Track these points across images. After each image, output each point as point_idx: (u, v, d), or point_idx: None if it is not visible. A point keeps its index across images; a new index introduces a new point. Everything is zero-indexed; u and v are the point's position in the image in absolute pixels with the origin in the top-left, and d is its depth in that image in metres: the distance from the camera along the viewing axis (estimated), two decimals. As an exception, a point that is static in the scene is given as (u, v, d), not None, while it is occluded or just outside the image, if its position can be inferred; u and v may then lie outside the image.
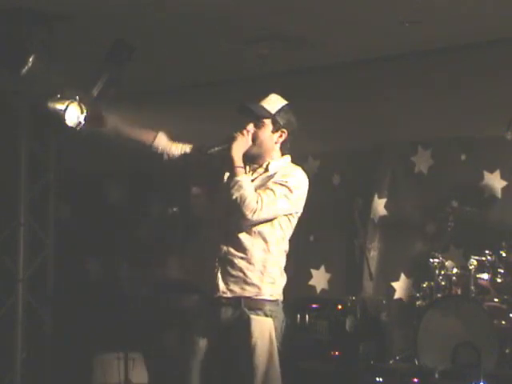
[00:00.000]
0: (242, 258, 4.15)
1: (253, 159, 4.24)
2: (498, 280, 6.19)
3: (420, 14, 6.35)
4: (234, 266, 4.14)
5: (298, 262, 7.59)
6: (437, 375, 5.75)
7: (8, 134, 7.01)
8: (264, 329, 4.13)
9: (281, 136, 4.26)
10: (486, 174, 6.95)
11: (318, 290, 7.64)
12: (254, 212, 4.03)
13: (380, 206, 7.39)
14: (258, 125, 4.20)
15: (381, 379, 6.05)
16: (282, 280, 4.29)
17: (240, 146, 4.14)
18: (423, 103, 7.11)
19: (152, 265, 7.51)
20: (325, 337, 6.58)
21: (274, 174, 4.21)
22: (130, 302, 7.04)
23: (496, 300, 6.18)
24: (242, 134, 4.16)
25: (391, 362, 6.45)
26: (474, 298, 6.13)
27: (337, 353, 6.47)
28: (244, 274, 4.14)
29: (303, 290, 7.53)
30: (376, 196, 7.41)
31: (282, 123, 4.24)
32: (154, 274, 7.42)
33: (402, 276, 7.18)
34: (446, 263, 6.38)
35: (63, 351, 7.22)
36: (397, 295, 7.18)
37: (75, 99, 6.41)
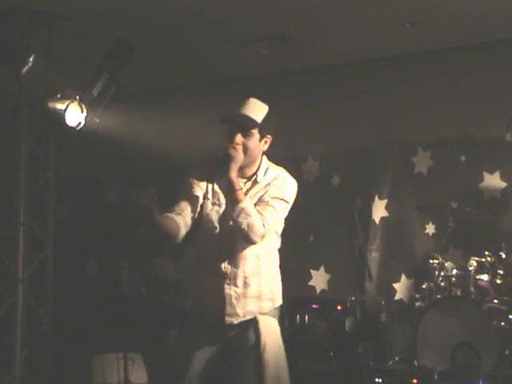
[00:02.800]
0: (253, 277, 4.14)
1: (241, 171, 4.12)
2: (498, 281, 6.18)
3: (420, 15, 6.36)
4: (248, 287, 4.13)
5: (297, 262, 7.60)
6: (436, 376, 5.75)
7: (8, 134, 7.00)
8: (272, 328, 4.15)
9: (266, 143, 4.16)
10: (486, 175, 6.95)
11: (318, 291, 7.64)
12: (263, 237, 4.02)
13: (381, 206, 7.38)
14: (247, 135, 4.06)
15: (380, 380, 6.05)
16: (280, 284, 4.32)
17: (236, 165, 4.02)
18: (423, 104, 7.12)
19: (151, 265, 7.50)
20: (324, 337, 6.57)
21: (267, 185, 4.16)
22: (130, 302, 7.03)
23: (495, 301, 6.17)
24: (236, 150, 4.02)
25: (390, 362, 6.44)
26: (473, 299, 6.12)
27: (336, 353, 6.47)
28: (258, 292, 4.15)
29: (303, 290, 7.53)
30: (377, 197, 7.40)
31: (267, 131, 4.13)
32: (153, 273, 7.42)
33: (403, 277, 7.18)
34: (446, 264, 6.38)
35: (63, 351, 7.21)
36: (397, 296, 7.18)
37: (75, 99, 6.42)
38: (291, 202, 4.19)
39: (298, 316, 6.70)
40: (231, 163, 3.99)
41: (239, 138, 4.05)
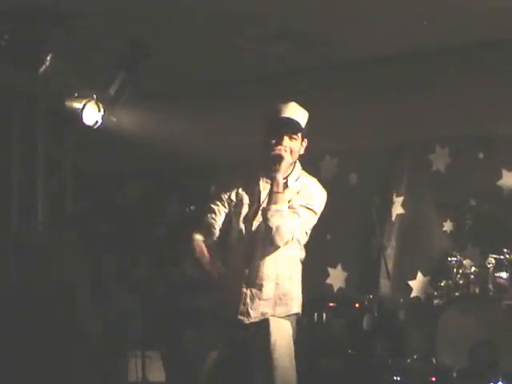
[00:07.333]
0: (269, 280, 4.16)
1: None
2: (517, 278, 6.16)
3: (438, 12, 6.34)
4: (263, 289, 4.15)
5: (314, 260, 7.58)
6: (455, 374, 5.73)
7: (25, 132, 7.04)
8: (283, 329, 4.15)
9: (302, 146, 4.24)
10: (505, 172, 6.92)
11: (335, 289, 7.62)
12: (287, 243, 4.07)
13: (397, 204, 7.36)
14: (292, 139, 4.14)
15: (398, 378, 6.03)
16: (301, 294, 4.32)
17: (285, 166, 4.10)
18: (441, 101, 7.08)
19: (168, 263, 7.51)
20: (342, 335, 6.56)
21: (297, 192, 4.19)
22: (147, 301, 7.04)
23: (514, 298, 6.15)
24: (286, 152, 4.10)
25: (409, 360, 6.42)
26: (492, 297, 6.09)
27: (354, 351, 6.45)
28: (274, 295, 4.16)
29: (320, 288, 7.52)
30: (394, 194, 7.38)
31: (306, 134, 4.22)
32: (171, 272, 7.43)
33: (419, 274, 7.16)
34: (464, 262, 6.35)
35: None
36: (414, 294, 7.16)
37: (92, 98, 6.44)
38: (319, 213, 4.22)
39: (315, 314, 6.68)
40: (281, 163, 4.07)
41: (287, 141, 4.12)
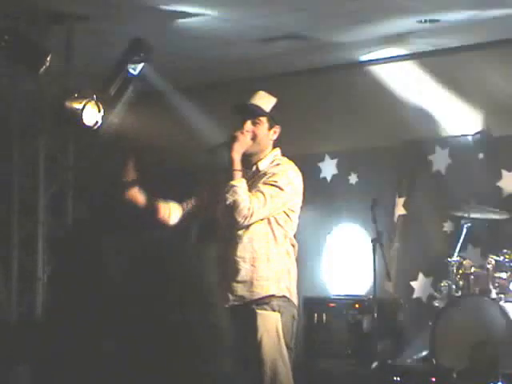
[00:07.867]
0: (245, 261, 4.17)
1: (248, 157, 4.25)
2: (517, 279, 6.15)
3: (435, 12, 6.34)
4: (239, 271, 4.17)
5: (315, 260, 7.60)
6: (455, 375, 5.73)
7: (26, 133, 7.04)
8: (270, 323, 4.14)
9: (275, 133, 4.30)
10: (504, 173, 6.91)
11: (336, 289, 7.61)
12: (245, 219, 4.08)
13: (399, 204, 7.35)
14: (255, 123, 4.23)
15: (398, 378, 6.03)
16: (287, 277, 4.27)
17: (241, 146, 4.16)
18: (440, 102, 7.09)
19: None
20: (342, 336, 6.56)
21: (264, 173, 4.23)
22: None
23: (514, 299, 6.14)
24: (243, 134, 4.18)
25: (409, 361, 6.42)
26: (492, 298, 6.09)
27: (354, 352, 6.46)
28: (250, 277, 4.17)
29: (320, 288, 7.52)
30: (396, 195, 7.38)
31: (276, 121, 4.29)
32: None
33: (421, 275, 7.15)
34: (464, 262, 6.34)
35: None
36: (415, 294, 7.15)
37: (93, 98, 6.43)
38: (287, 189, 4.19)
39: (315, 315, 6.69)
40: (235, 143, 4.15)
41: (248, 125, 4.23)
